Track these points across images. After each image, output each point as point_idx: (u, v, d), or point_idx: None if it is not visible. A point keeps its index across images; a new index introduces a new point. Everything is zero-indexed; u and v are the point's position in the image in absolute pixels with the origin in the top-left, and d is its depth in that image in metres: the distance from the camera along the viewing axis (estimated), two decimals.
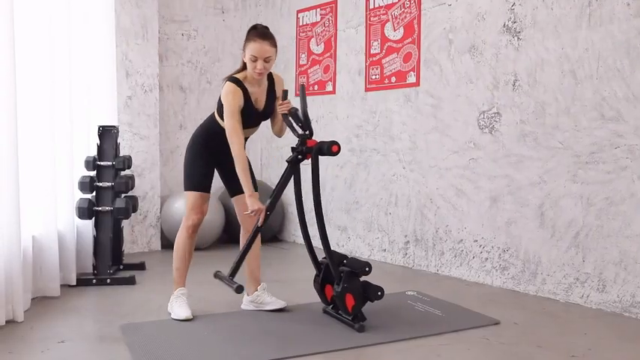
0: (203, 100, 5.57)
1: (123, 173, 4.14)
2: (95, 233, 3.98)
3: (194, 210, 3.12)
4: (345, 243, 4.99)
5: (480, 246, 3.95)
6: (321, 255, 3.12)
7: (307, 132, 2.98)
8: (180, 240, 3.15)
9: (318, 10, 5.20)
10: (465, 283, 3.98)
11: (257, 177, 4.91)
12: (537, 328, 2.99)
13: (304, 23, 5.36)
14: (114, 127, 4.16)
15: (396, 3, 4.50)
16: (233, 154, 2.95)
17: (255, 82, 3.05)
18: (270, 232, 5.37)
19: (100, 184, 4.00)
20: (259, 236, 3.12)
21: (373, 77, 4.70)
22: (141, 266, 4.29)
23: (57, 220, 3.56)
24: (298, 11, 5.42)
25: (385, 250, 4.65)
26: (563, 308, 3.35)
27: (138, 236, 5.01)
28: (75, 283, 3.76)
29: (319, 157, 2.98)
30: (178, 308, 3.07)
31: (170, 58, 5.39)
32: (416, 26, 4.35)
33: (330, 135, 5.09)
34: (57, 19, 3.61)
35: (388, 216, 4.61)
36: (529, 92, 3.65)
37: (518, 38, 3.70)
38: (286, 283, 3.89)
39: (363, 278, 2.97)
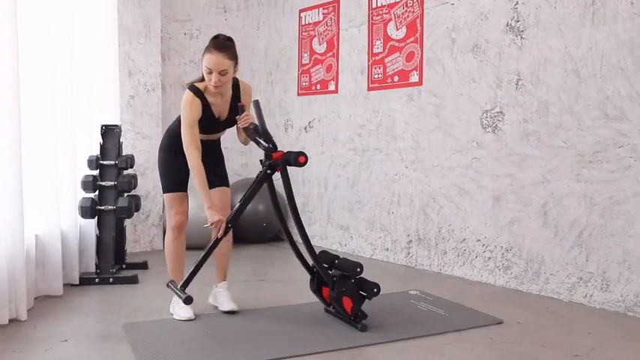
0: None
1: (125, 172, 4.13)
2: (98, 232, 3.98)
3: (174, 210, 3.12)
4: (347, 242, 4.99)
5: (483, 245, 3.94)
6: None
7: (270, 145, 2.90)
8: (167, 243, 3.16)
9: (321, 9, 5.20)
10: (467, 282, 3.97)
11: None
12: (541, 327, 2.98)
13: (307, 22, 5.36)
14: (116, 126, 4.16)
15: (398, 2, 4.50)
16: (189, 166, 2.92)
17: (216, 92, 2.96)
18: (272, 232, 5.37)
19: (103, 183, 4.00)
20: (231, 234, 3.09)
21: (376, 76, 4.69)
22: (143, 265, 4.30)
23: (60, 219, 3.56)
24: (301, 10, 5.41)
25: (388, 249, 4.64)
26: (566, 308, 3.35)
27: (140, 235, 5.01)
28: (78, 282, 3.77)
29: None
30: (180, 309, 3.06)
31: (172, 58, 5.39)
32: (418, 25, 4.34)
33: (333, 134, 5.09)
34: (59, 19, 3.61)
35: (391, 215, 4.61)
36: (532, 91, 3.64)
37: (522, 37, 3.69)
38: (289, 282, 3.90)
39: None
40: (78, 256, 3.81)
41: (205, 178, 2.90)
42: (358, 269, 2.92)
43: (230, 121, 3.10)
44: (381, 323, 2.98)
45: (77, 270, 3.78)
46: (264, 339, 2.76)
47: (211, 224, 2.84)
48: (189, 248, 4.96)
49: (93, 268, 3.97)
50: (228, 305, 3.15)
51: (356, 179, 4.89)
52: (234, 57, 2.90)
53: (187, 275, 2.86)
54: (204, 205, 2.88)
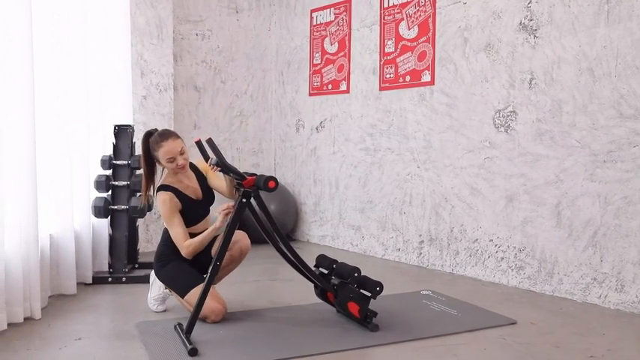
0: (217, 99, 5.59)
1: (138, 172, 4.15)
2: (111, 232, 4.01)
3: (212, 299, 2.93)
4: (359, 242, 4.98)
5: (496, 245, 3.92)
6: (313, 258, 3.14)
7: (238, 176, 2.85)
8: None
9: (332, 9, 5.20)
10: (480, 282, 3.95)
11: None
12: (555, 328, 2.96)
13: (318, 22, 5.36)
14: (129, 126, 4.18)
15: (410, 2, 4.48)
16: (185, 254, 2.99)
17: (182, 177, 3.09)
18: (284, 232, 5.38)
19: (116, 183, 4.03)
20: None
21: (387, 76, 4.68)
22: None
23: (73, 219, 3.59)
24: (312, 10, 5.41)
25: (399, 249, 4.63)
26: (580, 308, 3.32)
27: (153, 235, 5.03)
28: (91, 282, 3.79)
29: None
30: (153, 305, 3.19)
31: (184, 58, 5.42)
32: (431, 25, 4.33)
33: (345, 134, 5.08)
34: (72, 20, 3.64)
35: (402, 215, 4.59)
36: (546, 90, 3.62)
37: (535, 36, 3.67)
38: (300, 282, 3.89)
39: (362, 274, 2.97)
40: (91, 255, 3.84)
41: (199, 248, 2.99)
42: (356, 274, 2.92)
43: (209, 198, 3.18)
44: (393, 323, 2.97)
45: (90, 269, 3.81)
46: (276, 338, 2.76)
47: (225, 209, 2.89)
48: None
49: (106, 268, 4.00)
50: (161, 307, 3.21)
51: (367, 179, 4.88)
52: (178, 136, 3.08)
53: (190, 318, 2.71)
54: (215, 226, 2.98)
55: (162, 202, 2.99)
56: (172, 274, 3.05)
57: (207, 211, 3.21)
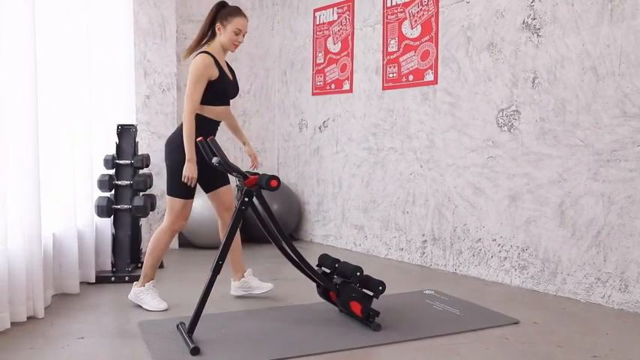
0: None
1: (141, 172, 4.16)
2: (114, 231, 4.01)
3: (182, 215, 3.17)
4: (362, 242, 4.98)
5: (499, 245, 3.91)
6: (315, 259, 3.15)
7: (240, 174, 2.84)
8: (162, 241, 3.19)
9: (335, 8, 5.19)
10: (483, 282, 3.94)
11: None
12: (558, 328, 2.95)
13: (321, 22, 5.35)
14: (132, 125, 4.19)
15: (413, 1, 4.48)
16: (183, 117, 3.06)
17: (221, 55, 3.19)
18: (287, 231, 5.37)
19: (119, 182, 4.03)
20: (238, 234, 3.19)
21: (390, 75, 4.68)
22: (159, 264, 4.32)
23: (76, 218, 3.60)
24: (315, 10, 5.41)
25: (402, 249, 4.62)
26: (584, 308, 3.30)
27: None
28: (94, 281, 3.80)
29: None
30: (152, 300, 3.20)
31: (188, 58, 5.41)
32: (434, 24, 4.32)
33: (348, 134, 5.08)
34: (75, 19, 3.64)
35: (405, 215, 4.59)
36: (549, 89, 3.61)
37: (538, 35, 3.66)
38: (302, 281, 3.88)
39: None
40: (94, 254, 3.85)
41: (193, 133, 3.03)
42: (358, 273, 2.92)
43: (236, 83, 3.32)
44: (396, 323, 2.97)
45: (93, 268, 3.81)
46: (278, 338, 2.76)
47: (184, 177, 3.02)
48: (198, 247, 5.01)
49: (109, 267, 4.01)
50: (265, 287, 3.45)
51: (370, 179, 4.88)
52: None
53: (192, 317, 2.70)
54: (187, 156, 3.02)
55: (201, 60, 3.07)
56: (177, 174, 3.09)
57: (234, 95, 3.30)
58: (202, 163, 3.11)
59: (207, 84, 3.08)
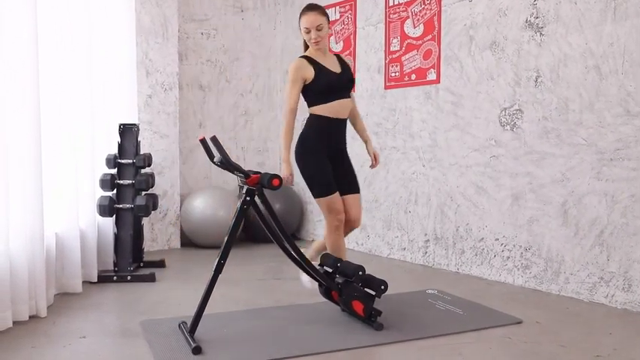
0: (222, 98, 5.59)
1: (143, 171, 4.16)
2: (116, 231, 4.01)
3: (334, 211, 3.13)
4: (364, 242, 4.97)
5: (502, 244, 3.90)
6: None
7: (242, 173, 2.82)
8: (335, 242, 3.18)
9: (338, 7, 5.19)
10: (485, 281, 3.93)
11: None
12: (560, 327, 2.94)
13: None
14: (135, 125, 4.19)
15: (415, 0, 4.47)
16: (284, 115, 3.13)
17: (321, 55, 3.16)
18: (289, 231, 5.37)
19: (121, 181, 4.03)
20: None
21: (393, 75, 4.67)
22: (161, 264, 4.32)
23: (79, 218, 3.60)
24: None
25: (405, 248, 4.62)
26: (587, 308, 3.29)
27: (158, 234, 5.04)
28: (96, 280, 3.80)
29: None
30: (307, 280, 3.24)
31: (190, 57, 5.42)
32: (436, 23, 4.31)
33: (350, 133, 5.06)
34: (78, 18, 3.64)
35: (408, 214, 4.58)
36: (552, 88, 3.60)
37: (541, 34, 3.64)
38: None
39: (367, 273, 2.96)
40: (96, 254, 3.85)
41: (290, 132, 3.09)
42: (360, 272, 2.91)
43: (347, 77, 3.23)
44: (399, 322, 2.96)
45: (95, 268, 3.82)
46: (280, 337, 2.75)
47: (283, 177, 2.97)
48: (200, 247, 5.01)
49: (111, 266, 4.01)
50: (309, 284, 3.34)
51: (373, 178, 4.87)
52: (325, 14, 3.16)
53: (194, 316, 2.70)
54: (282, 157, 3.10)
55: (293, 63, 3.12)
56: (313, 172, 3.13)
57: (347, 90, 3.24)
58: (337, 164, 3.19)
59: (307, 85, 3.12)
